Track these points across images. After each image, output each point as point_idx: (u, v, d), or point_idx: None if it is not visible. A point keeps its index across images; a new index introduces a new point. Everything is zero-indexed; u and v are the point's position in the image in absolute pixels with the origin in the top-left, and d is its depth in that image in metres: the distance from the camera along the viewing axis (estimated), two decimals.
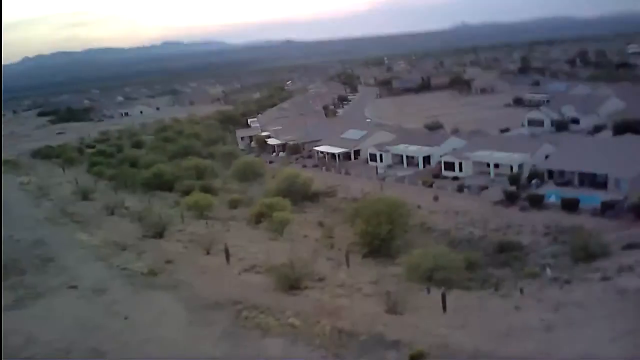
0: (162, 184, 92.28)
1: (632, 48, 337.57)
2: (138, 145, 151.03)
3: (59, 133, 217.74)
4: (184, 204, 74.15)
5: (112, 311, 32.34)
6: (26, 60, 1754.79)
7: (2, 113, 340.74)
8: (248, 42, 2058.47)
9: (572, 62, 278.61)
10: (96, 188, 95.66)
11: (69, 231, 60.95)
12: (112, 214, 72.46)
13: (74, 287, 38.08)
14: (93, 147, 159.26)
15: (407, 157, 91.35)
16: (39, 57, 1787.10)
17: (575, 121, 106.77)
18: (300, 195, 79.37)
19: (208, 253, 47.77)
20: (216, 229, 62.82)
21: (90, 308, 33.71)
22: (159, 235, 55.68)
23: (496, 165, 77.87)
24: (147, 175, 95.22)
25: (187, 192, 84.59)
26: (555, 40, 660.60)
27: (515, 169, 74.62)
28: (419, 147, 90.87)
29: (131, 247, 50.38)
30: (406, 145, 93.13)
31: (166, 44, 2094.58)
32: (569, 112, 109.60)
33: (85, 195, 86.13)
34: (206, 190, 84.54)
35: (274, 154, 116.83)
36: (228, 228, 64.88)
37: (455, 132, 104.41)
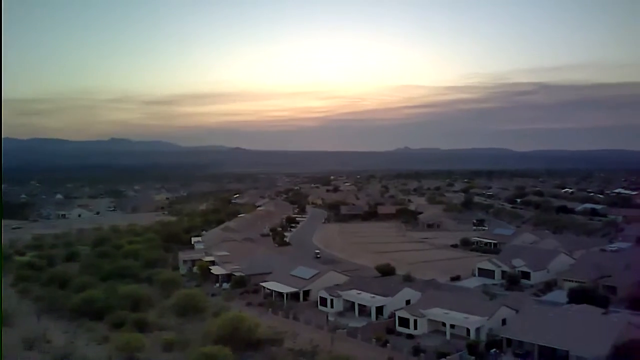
0: (92, 312, 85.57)
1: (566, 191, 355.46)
2: (72, 257, 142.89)
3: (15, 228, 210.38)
4: (114, 342, 67.67)
5: None
6: None
7: None
8: (197, 145, 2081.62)
9: (512, 201, 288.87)
10: (19, 310, 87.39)
11: None
12: (31, 348, 65.03)
13: None
14: (23, 254, 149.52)
15: (359, 304, 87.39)
16: None
17: (526, 276, 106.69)
18: (244, 343, 73.57)
19: None
20: None
21: None
22: None
23: (452, 326, 74.82)
24: (77, 301, 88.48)
25: (118, 325, 78.23)
26: (493, 172, 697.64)
27: (472, 333, 71.69)
28: (372, 295, 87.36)
29: None
30: (358, 292, 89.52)
31: (114, 140, 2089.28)
32: (519, 264, 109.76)
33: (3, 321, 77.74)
34: (140, 325, 78.50)
35: (218, 284, 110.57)
36: None
37: (408, 279, 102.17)
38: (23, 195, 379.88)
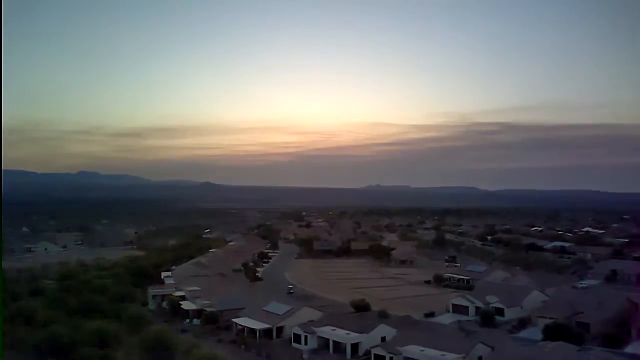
0: (57, 349, 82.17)
1: (535, 229, 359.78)
2: (37, 292, 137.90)
3: None
4: None
5: None
6: None
7: None
8: (167, 179, 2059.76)
9: (483, 239, 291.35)
10: None
11: None
12: None
13: None
14: None
15: (333, 341, 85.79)
16: None
17: (500, 312, 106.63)
18: None
19: None
20: None
21: None
22: None
23: None
24: (42, 338, 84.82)
25: None
26: (462, 210, 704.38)
27: None
28: (347, 332, 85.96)
29: None
30: (333, 328, 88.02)
31: (82, 174, 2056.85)
32: (493, 301, 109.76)
33: None
34: None
35: (188, 320, 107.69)
36: None
37: (383, 316, 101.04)
38: None
